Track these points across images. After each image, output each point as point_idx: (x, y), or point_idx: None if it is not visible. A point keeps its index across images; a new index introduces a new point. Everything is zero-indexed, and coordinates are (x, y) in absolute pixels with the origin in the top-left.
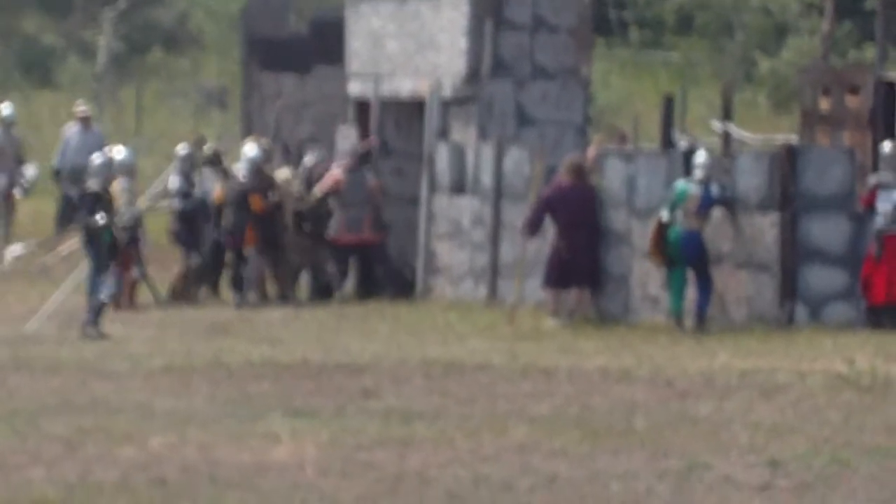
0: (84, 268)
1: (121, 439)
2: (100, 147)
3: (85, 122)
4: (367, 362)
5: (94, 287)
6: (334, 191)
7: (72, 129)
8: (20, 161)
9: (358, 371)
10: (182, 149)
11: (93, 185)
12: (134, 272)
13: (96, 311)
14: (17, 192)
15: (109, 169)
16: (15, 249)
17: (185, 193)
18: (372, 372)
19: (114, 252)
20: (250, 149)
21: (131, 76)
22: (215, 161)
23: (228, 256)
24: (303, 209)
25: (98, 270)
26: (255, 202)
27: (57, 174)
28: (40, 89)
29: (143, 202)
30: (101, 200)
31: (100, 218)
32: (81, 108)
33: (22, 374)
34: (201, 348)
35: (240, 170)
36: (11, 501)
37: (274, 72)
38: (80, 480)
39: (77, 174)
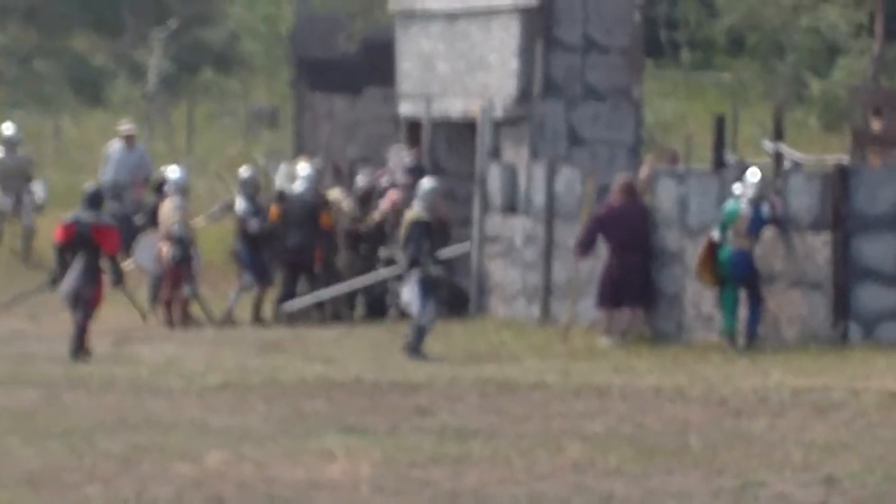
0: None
1: (176, 456)
2: (140, 166)
3: (129, 140)
4: (421, 380)
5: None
6: (393, 211)
7: (114, 146)
8: (28, 180)
9: (412, 389)
10: (244, 172)
11: (423, 214)
12: (186, 290)
13: (419, 336)
14: (24, 217)
15: (436, 195)
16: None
17: (253, 214)
18: (426, 390)
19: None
20: (304, 168)
21: (181, 96)
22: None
23: (282, 274)
24: (360, 230)
25: (427, 297)
26: (325, 219)
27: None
28: (91, 108)
29: (199, 222)
30: (431, 229)
31: (434, 267)
32: (126, 126)
33: (77, 391)
34: (256, 366)
35: (299, 187)
36: None
37: (325, 92)
38: (136, 498)
39: (117, 190)
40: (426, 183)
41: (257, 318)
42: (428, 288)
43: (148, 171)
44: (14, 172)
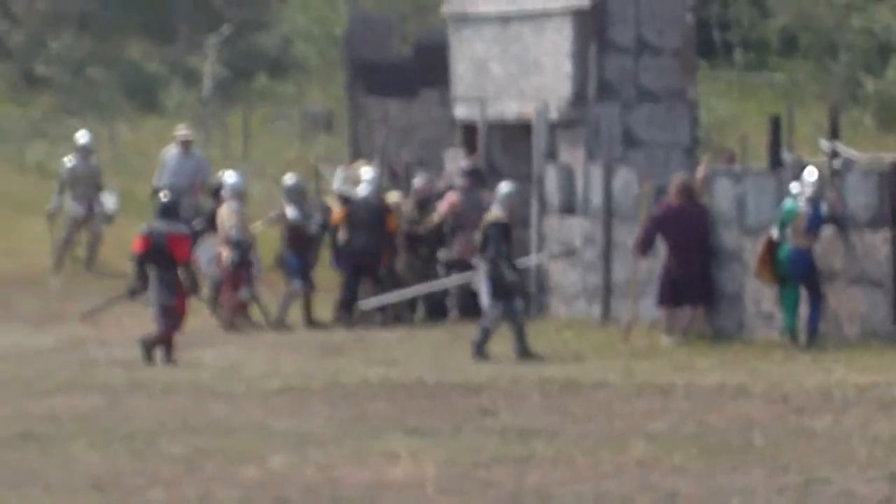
0: None
1: (240, 460)
2: (197, 171)
3: (185, 145)
4: (483, 381)
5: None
6: (452, 213)
7: (171, 152)
8: (99, 189)
9: (474, 390)
10: (289, 179)
11: (501, 216)
12: (244, 293)
13: (484, 338)
14: (94, 226)
15: (515, 198)
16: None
17: (305, 220)
18: (488, 391)
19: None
20: (367, 171)
21: (236, 102)
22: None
23: (345, 277)
24: (420, 232)
25: (495, 299)
26: (392, 222)
27: (154, 193)
28: (146, 115)
29: (257, 227)
30: (509, 232)
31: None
32: (183, 132)
33: (139, 395)
34: (317, 369)
35: (363, 190)
36: None
37: (379, 96)
38: (200, 501)
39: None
40: (505, 186)
41: (310, 321)
42: (498, 290)
43: (206, 174)
44: (87, 180)
